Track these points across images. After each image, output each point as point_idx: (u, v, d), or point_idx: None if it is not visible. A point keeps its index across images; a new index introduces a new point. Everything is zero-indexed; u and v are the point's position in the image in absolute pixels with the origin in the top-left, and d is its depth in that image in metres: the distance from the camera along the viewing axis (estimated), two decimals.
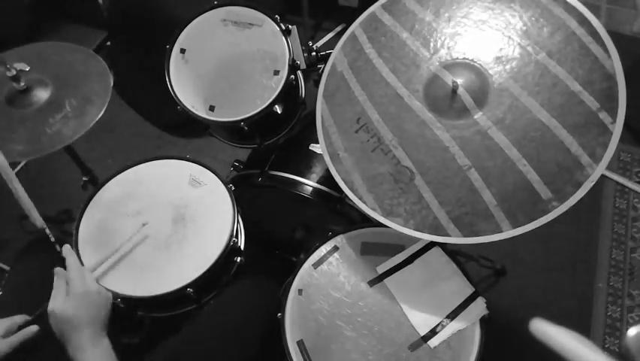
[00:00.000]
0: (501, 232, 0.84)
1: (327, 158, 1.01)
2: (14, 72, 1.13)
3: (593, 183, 0.80)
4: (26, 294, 1.02)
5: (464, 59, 0.95)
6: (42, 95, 1.18)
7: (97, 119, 1.13)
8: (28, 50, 1.29)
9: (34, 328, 0.87)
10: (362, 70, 1.04)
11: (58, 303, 0.84)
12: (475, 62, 0.94)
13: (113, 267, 1.02)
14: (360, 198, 0.96)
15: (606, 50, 0.84)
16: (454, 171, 0.90)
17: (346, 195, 0.98)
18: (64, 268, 0.90)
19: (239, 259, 1.15)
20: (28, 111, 1.16)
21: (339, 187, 0.98)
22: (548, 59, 0.88)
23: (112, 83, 1.19)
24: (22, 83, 1.16)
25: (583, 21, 0.87)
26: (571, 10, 0.89)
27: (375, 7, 1.06)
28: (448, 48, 0.97)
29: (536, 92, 0.87)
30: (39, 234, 0.99)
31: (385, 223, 0.93)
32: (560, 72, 0.86)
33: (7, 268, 1.70)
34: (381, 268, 1.01)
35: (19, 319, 0.88)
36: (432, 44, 0.99)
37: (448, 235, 0.88)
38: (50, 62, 1.25)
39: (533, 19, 0.91)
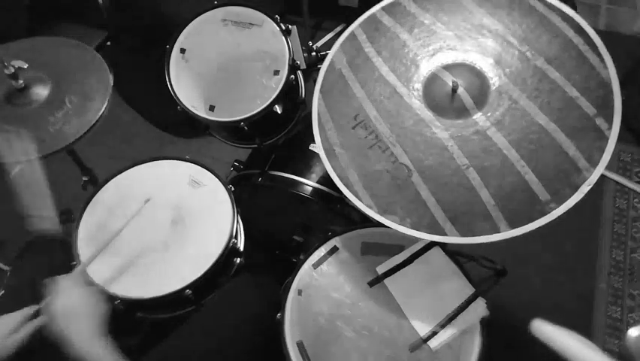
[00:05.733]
0: (499, 232, 0.84)
1: (322, 153, 1.00)
2: (12, 70, 1.11)
3: (590, 186, 0.80)
4: (26, 294, 1.02)
5: (464, 61, 0.95)
6: (41, 92, 1.16)
7: (99, 115, 1.11)
8: (21, 46, 1.26)
9: (44, 318, 0.85)
10: (361, 68, 1.03)
11: (50, 303, 0.82)
12: (475, 64, 0.94)
13: (112, 268, 1.02)
14: (356, 195, 0.95)
15: (602, 60, 0.85)
16: (453, 170, 0.89)
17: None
18: (66, 268, 0.91)
19: (238, 260, 1.15)
20: (28, 110, 1.14)
21: None
22: (547, 65, 0.88)
23: (112, 82, 1.18)
24: (21, 81, 1.14)
25: (580, 30, 0.88)
26: (568, 19, 0.90)
27: (376, 9, 1.06)
28: (448, 51, 0.97)
29: (535, 96, 0.88)
30: (39, 233, 0.99)
31: (381, 221, 0.92)
32: (558, 78, 0.87)
33: (7, 268, 1.69)
34: (381, 269, 1.01)
35: (30, 310, 0.87)
36: (431, 47, 0.99)
37: (445, 234, 0.88)
38: (47, 59, 1.22)
39: (532, 26, 0.92)
